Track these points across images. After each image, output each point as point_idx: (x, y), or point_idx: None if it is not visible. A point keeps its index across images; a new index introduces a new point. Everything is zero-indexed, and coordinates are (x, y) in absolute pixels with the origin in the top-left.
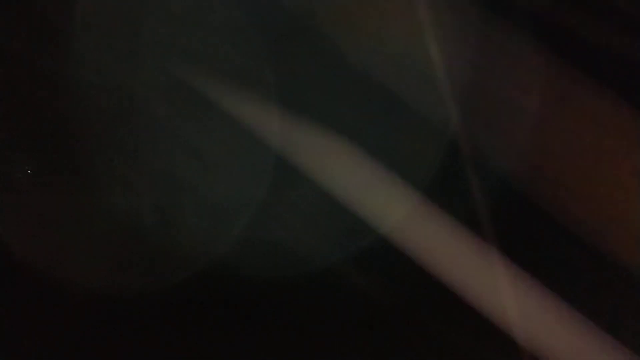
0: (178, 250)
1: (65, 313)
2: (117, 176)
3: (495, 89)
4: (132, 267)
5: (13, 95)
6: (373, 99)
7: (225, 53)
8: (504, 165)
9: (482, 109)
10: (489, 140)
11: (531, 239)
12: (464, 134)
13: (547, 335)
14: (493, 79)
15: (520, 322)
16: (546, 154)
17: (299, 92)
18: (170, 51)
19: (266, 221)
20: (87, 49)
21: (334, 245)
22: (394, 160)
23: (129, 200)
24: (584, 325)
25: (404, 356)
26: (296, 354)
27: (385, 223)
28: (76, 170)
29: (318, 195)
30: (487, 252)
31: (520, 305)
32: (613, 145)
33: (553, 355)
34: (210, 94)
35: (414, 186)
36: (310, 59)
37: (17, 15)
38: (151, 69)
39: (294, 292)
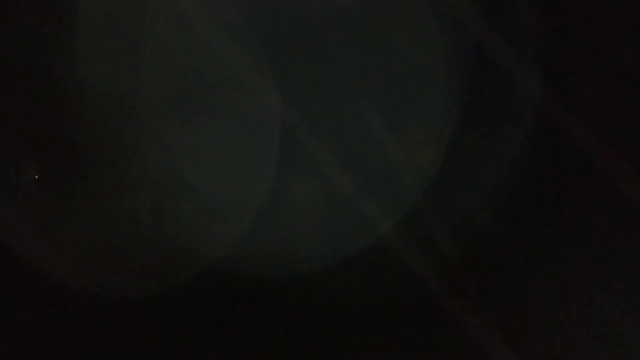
0: (179, 252)
1: (68, 314)
2: (118, 178)
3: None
4: (134, 269)
5: (17, 101)
6: (373, 100)
7: (227, 53)
8: (503, 165)
9: (481, 109)
10: (488, 140)
11: (531, 238)
12: (463, 134)
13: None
14: (494, 78)
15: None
16: (541, 155)
17: (299, 92)
18: (171, 52)
19: (266, 221)
20: (89, 52)
21: (334, 245)
22: (394, 160)
23: (131, 202)
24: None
25: (402, 355)
26: (296, 353)
27: (384, 223)
28: (78, 173)
29: (318, 196)
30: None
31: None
32: (610, 146)
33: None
34: (211, 95)
35: (414, 186)
36: (311, 60)
37: (20, 20)
38: (152, 71)
39: (293, 292)
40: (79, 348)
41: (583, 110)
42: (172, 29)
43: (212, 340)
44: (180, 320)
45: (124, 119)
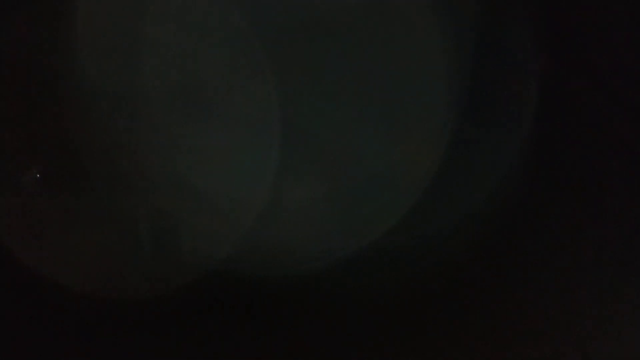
0: (181, 252)
1: (69, 315)
2: (119, 179)
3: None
4: (136, 269)
5: (18, 101)
6: (373, 99)
7: (227, 54)
8: (503, 164)
9: (482, 108)
10: (488, 140)
11: (532, 235)
12: (463, 133)
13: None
14: (493, 77)
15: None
16: (541, 154)
17: (299, 92)
18: (172, 53)
19: (267, 222)
20: (90, 52)
21: (334, 245)
22: (394, 159)
23: (133, 203)
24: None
25: (402, 355)
26: (296, 354)
27: (385, 223)
28: (80, 174)
29: (318, 195)
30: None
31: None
32: (608, 143)
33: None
34: (212, 95)
35: (414, 186)
36: (311, 59)
37: (20, 20)
38: (153, 71)
39: (293, 292)
40: (79, 349)
41: (583, 110)
42: (173, 29)
43: (213, 341)
44: (180, 321)
45: (125, 119)
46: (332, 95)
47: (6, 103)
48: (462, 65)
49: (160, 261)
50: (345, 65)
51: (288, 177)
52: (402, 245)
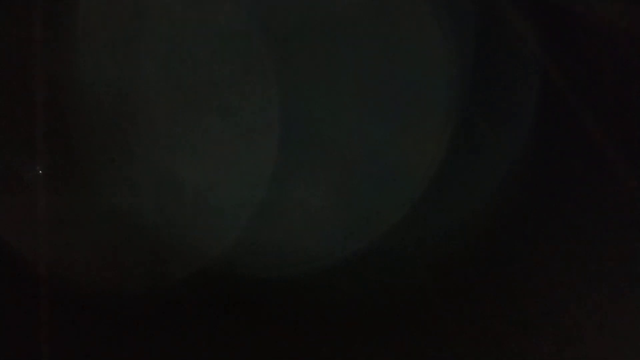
0: (179, 250)
1: (67, 310)
2: (119, 177)
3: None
4: (134, 266)
5: (21, 99)
6: (373, 100)
7: (227, 54)
8: (504, 165)
9: (482, 109)
10: (489, 140)
11: (532, 236)
12: (464, 134)
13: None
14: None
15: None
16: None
17: (300, 91)
18: (172, 52)
19: (266, 221)
20: (91, 52)
21: (334, 245)
22: (395, 160)
23: (131, 200)
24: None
25: (400, 355)
26: (295, 353)
27: (384, 223)
28: (79, 171)
29: (318, 195)
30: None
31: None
32: (608, 148)
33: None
34: (212, 94)
35: (414, 186)
36: (312, 59)
37: (20, 20)
38: (153, 70)
39: (293, 292)
40: (76, 344)
41: (584, 112)
42: (173, 28)
43: (211, 339)
44: (179, 318)
45: (125, 117)
46: (332, 95)
47: (7, 102)
48: (462, 67)
49: (158, 258)
50: (345, 65)
51: (288, 177)
52: (402, 246)
